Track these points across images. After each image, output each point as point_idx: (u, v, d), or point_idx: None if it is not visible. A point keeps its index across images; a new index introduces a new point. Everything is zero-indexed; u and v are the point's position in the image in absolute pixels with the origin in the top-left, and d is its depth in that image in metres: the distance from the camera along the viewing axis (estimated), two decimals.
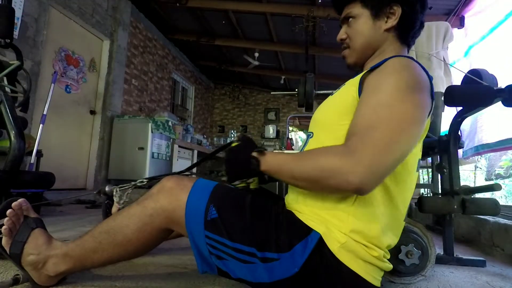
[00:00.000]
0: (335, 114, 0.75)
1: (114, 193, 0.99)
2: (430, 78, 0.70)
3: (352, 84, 0.74)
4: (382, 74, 0.67)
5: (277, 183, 3.90)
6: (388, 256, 0.70)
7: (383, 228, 0.68)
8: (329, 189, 0.63)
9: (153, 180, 0.94)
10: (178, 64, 5.96)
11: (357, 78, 0.74)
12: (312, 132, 0.81)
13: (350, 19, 0.81)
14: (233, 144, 0.76)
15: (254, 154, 0.70)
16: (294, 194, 0.77)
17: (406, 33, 0.79)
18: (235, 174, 0.74)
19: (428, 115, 0.68)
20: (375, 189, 0.66)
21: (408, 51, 0.83)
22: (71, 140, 3.46)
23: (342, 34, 0.84)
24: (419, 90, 0.64)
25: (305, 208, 0.72)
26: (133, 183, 0.97)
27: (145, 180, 0.96)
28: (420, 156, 0.76)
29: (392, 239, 0.71)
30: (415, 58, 2.02)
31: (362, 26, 0.79)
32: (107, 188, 1.01)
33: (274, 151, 0.80)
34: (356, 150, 0.58)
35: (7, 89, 1.72)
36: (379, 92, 0.64)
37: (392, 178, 0.68)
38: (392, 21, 0.77)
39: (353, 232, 0.65)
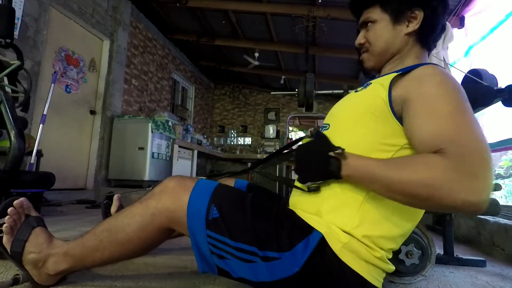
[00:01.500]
0: (357, 111, 0.73)
1: None
2: None
3: (381, 85, 0.71)
4: (429, 84, 0.64)
5: (277, 182, 3.87)
6: (390, 256, 0.70)
7: (391, 232, 0.68)
8: (439, 207, 0.56)
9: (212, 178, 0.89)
10: (178, 64, 5.96)
11: (385, 79, 0.71)
12: (328, 124, 0.79)
13: (369, 23, 0.80)
14: (304, 141, 0.70)
15: (333, 154, 0.63)
16: (299, 193, 0.76)
17: (427, 37, 0.78)
18: (309, 176, 0.67)
19: None
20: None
21: (428, 55, 0.82)
22: (71, 140, 3.46)
23: (361, 39, 0.83)
24: (466, 98, 0.63)
25: (308, 207, 0.72)
26: None
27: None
28: None
29: (396, 243, 0.71)
30: None
31: (382, 31, 0.78)
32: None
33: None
34: (462, 164, 0.52)
35: (8, 89, 1.72)
36: (442, 101, 0.61)
37: None
38: (414, 26, 0.76)
39: (359, 231, 0.66)
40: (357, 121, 0.72)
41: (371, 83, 0.76)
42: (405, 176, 0.56)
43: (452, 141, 0.56)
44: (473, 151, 0.54)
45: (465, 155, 0.54)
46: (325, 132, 0.78)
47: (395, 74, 0.71)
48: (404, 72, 0.70)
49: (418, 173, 0.55)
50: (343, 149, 0.63)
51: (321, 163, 0.64)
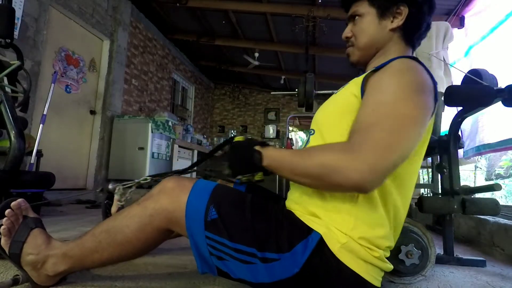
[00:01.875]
0: (335, 112, 0.75)
1: (116, 190, 0.98)
2: (435, 82, 0.70)
3: (355, 83, 0.74)
4: (386, 74, 0.67)
5: (277, 182, 3.90)
6: (388, 255, 0.70)
7: (385, 231, 0.68)
8: (330, 186, 0.63)
9: (156, 178, 0.93)
10: (178, 64, 5.96)
11: (361, 77, 0.73)
12: (313, 129, 0.82)
13: (356, 17, 0.80)
14: (236, 139, 0.76)
15: (257, 147, 0.70)
16: (297, 194, 0.76)
17: (412, 34, 0.79)
18: (238, 169, 0.73)
19: (431, 117, 0.68)
20: (377, 192, 0.66)
21: (413, 52, 0.83)
22: (71, 140, 3.46)
23: (347, 32, 0.83)
24: (421, 92, 0.64)
25: (306, 208, 0.71)
26: (136, 180, 0.96)
27: (148, 178, 0.94)
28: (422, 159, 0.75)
29: (391, 241, 0.71)
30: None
31: (367, 25, 0.79)
32: (110, 186, 1.00)
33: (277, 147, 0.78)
34: (357, 147, 0.58)
35: (7, 89, 1.72)
36: (382, 91, 0.64)
37: (394, 181, 0.68)
38: (398, 21, 0.76)
39: (355, 233, 0.65)
40: (337, 123, 0.73)
41: (348, 83, 0.78)
42: (307, 160, 0.62)
43: (359, 131, 0.61)
44: (370, 139, 0.58)
45: (359, 141, 0.59)
46: (311, 137, 0.81)
47: (369, 71, 0.72)
48: (379, 68, 0.71)
49: (316, 157, 0.61)
50: (266, 144, 0.71)
51: (247, 157, 0.70)
